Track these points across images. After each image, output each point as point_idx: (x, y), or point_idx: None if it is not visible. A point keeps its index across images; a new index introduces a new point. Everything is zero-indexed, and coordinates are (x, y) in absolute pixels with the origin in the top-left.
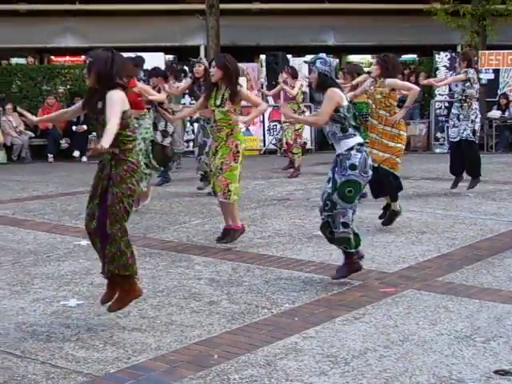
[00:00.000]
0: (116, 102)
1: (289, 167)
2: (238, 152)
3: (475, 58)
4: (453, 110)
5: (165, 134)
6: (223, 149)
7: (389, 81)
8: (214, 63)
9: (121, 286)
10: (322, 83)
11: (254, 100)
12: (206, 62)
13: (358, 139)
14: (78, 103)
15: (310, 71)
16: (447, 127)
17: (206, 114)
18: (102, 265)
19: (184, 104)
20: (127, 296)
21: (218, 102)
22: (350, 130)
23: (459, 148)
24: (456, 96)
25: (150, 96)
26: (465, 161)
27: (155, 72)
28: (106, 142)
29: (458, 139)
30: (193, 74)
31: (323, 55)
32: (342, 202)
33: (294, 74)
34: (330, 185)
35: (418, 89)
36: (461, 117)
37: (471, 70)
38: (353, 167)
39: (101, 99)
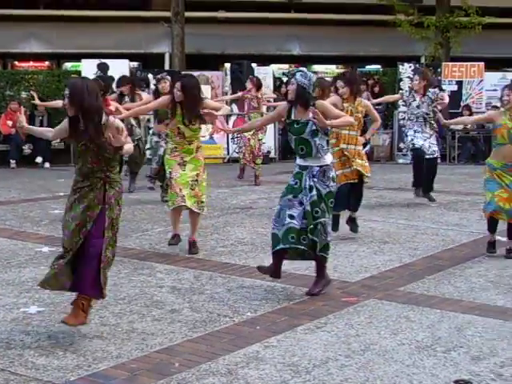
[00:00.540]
0: (123, 127)
1: (241, 176)
2: (204, 164)
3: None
4: (416, 127)
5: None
6: (195, 161)
7: (366, 104)
8: (178, 85)
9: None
10: (300, 96)
11: (216, 106)
12: (169, 78)
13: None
14: (62, 126)
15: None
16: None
17: (161, 129)
18: (71, 283)
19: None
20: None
21: (187, 122)
22: (329, 144)
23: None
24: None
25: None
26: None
27: (125, 80)
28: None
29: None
30: (157, 91)
31: (304, 69)
32: (327, 213)
33: (259, 85)
34: (314, 192)
35: (380, 121)
36: (426, 135)
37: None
38: (333, 179)
39: (94, 126)
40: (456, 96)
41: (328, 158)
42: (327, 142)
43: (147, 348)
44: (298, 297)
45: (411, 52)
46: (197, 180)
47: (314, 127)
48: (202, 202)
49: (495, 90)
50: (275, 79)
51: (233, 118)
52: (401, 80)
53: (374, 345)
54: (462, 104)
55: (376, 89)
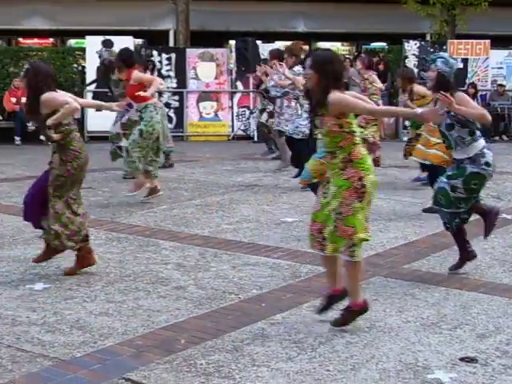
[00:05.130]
0: (53, 100)
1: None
2: (364, 187)
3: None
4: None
5: (270, 114)
6: (338, 182)
7: None
8: (308, 63)
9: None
10: (440, 83)
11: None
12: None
13: (484, 141)
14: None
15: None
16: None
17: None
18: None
19: None
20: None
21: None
22: (477, 133)
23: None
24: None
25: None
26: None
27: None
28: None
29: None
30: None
31: (445, 55)
32: (464, 192)
33: (369, 65)
34: (456, 171)
35: None
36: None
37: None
38: (488, 165)
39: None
40: (462, 74)
41: (476, 147)
42: (469, 132)
43: (153, 325)
44: (303, 274)
45: (417, 29)
46: (340, 212)
47: (448, 120)
48: (355, 244)
49: (501, 68)
50: None
51: (238, 96)
52: (406, 57)
53: (380, 322)
54: (467, 82)
55: (380, 66)
